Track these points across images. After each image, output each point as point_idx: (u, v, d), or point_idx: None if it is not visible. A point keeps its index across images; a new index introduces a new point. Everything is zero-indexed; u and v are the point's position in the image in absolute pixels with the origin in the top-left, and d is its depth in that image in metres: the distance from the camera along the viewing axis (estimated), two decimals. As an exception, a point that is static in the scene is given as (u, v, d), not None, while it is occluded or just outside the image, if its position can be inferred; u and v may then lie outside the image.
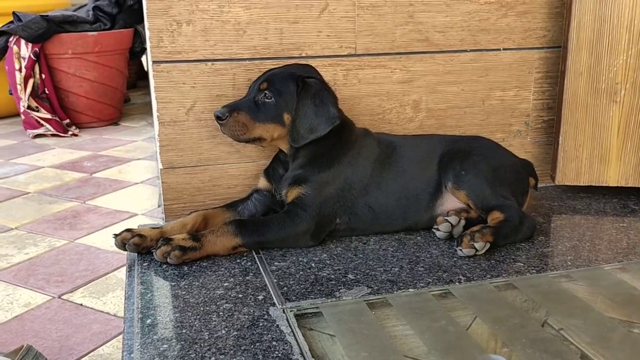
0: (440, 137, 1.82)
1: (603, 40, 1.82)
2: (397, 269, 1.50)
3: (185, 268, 1.52)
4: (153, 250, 1.54)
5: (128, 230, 1.62)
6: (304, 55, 1.79)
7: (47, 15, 3.99)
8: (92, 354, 1.60)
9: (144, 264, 1.55)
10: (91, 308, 1.97)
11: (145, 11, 1.65)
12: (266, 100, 1.62)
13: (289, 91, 1.62)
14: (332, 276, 1.47)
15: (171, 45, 1.69)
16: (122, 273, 2.20)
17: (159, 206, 2.84)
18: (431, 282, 1.43)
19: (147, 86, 5.74)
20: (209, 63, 1.73)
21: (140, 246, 1.59)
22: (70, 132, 4.22)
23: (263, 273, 1.48)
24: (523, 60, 1.97)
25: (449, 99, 1.94)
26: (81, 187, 3.19)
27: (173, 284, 1.44)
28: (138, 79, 6.00)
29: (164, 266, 1.53)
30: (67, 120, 4.30)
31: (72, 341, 1.66)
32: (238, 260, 1.56)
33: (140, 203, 2.92)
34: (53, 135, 4.17)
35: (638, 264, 1.53)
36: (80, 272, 2.21)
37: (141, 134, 4.31)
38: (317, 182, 1.64)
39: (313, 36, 1.78)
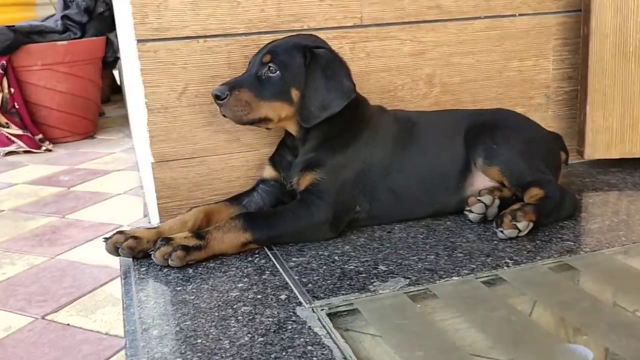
0: (462, 111, 1.65)
1: (629, -4, 1.67)
2: (432, 256, 1.32)
3: (190, 270, 1.31)
4: (151, 253, 1.33)
5: (120, 232, 1.41)
6: (305, 27, 1.60)
7: (13, 26, 3.77)
8: (84, 378, 1.39)
9: (142, 269, 1.34)
10: (79, 327, 1.76)
11: (126, -17, 1.45)
12: (270, 74, 1.42)
13: (295, 63, 1.42)
14: (361, 268, 1.27)
15: (157, 22, 1.49)
16: (111, 287, 1.99)
17: (145, 216, 2.62)
18: (476, 268, 1.25)
19: (121, 100, 5.52)
20: (201, 40, 1.53)
21: (135, 249, 1.38)
22: (43, 148, 3.99)
23: (281, 270, 1.29)
24: (540, 26, 1.81)
25: (464, 71, 1.77)
26: (59, 202, 2.96)
27: (179, 288, 1.24)
28: (112, 92, 5.80)
29: (165, 270, 1.32)
30: (40, 136, 4.06)
31: (61, 366, 1.45)
32: (250, 259, 1.36)
33: (124, 214, 2.71)
34: (25, 151, 3.93)
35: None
36: (65, 290, 1.99)
37: (119, 146, 4.09)
38: (333, 165, 1.44)
39: (314, 6, 1.60)
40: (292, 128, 1.49)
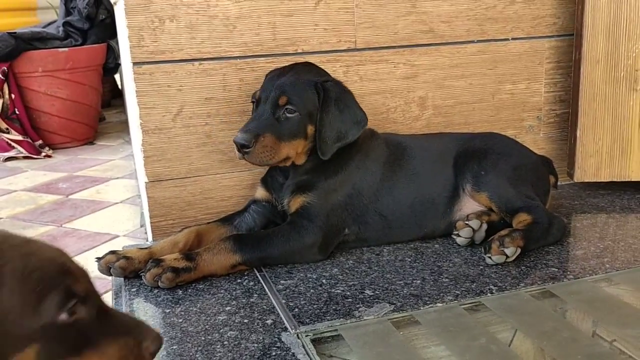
0: (452, 136, 1.67)
1: (620, 24, 1.69)
2: (418, 281, 1.34)
3: (180, 292, 1.34)
4: (142, 274, 1.36)
5: (112, 252, 1.44)
6: (299, 51, 1.63)
7: (15, 33, 3.80)
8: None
9: (132, 290, 1.37)
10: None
11: (123, 7, 1.48)
12: (288, 115, 1.43)
13: (310, 101, 1.44)
14: (348, 293, 1.30)
15: (153, 45, 1.52)
16: (106, 301, 2.01)
17: (141, 226, 2.65)
18: (460, 295, 1.27)
19: (122, 104, 5.53)
20: (196, 63, 1.56)
21: (127, 269, 1.40)
22: (43, 154, 4.02)
23: (269, 293, 1.31)
24: (533, 50, 1.83)
25: (457, 94, 1.80)
26: (57, 210, 2.98)
27: (167, 310, 1.26)
28: (112, 97, 5.82)
29: (155, 291, 1.35)
30: (40, 142, 4.09)
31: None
32: (239, 280, 1.38)
33: (121, 224, 2.73)
34: (25, 157, 3.96)
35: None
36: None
37: (118, 152, 4.12)
38: (323, 189, 1.47)
39: (309, 30, 1.62)
40: (301, 160, 1.50)
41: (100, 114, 4.76)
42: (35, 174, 3.72)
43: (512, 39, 1.81)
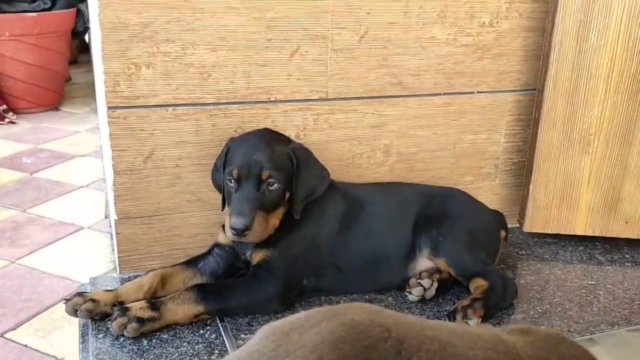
0: (412, 190, 1.74)
1: (579, 90, 1.77)
2: (369, 342, 1.44)
3: (145, 342, 1.41)
4: (109, 322, 1.43)
5: (79, 294, 1.50)
6: (272, 99, 1.67)
7: (-20, -7, 3.69)
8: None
9: (99, 336, 1.43)
10: (37, 350, 1.84)
11: (100, 53, 1.49)
12: (271, 188, 1.49)
13: (287, 170, 1.52)
14: (303, 354, 1.39)
15: (129, 90, 1.54)
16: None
17: (105, 217, 2.69)
18: None
19: (89, 62, 5.42)
20: (170, 108, 1.59)
21: (93, 312, 1.47)
22: (7, 120, 3.97)
23: (230, 351, 1.39)
24: (496, 103, 1.91)
25: (420, 142, 1.87)
26: (21, 191, 2.99)
27: (132, 366, 1.34)
28: (79, 52, 5.66)
29: (122, 339, 1.42)
30: (4, 106, 4.03)
31: (17, 393, 1.54)
32: (201, 331, 1.46)
33: (85, 213, 2.76)
34: (-12, 122, 3.89)
35: (608, 337, 1.52)
36: (24, 303, 2.07)
37: (84, 123, 4.08)
38: (284, 244, 1.55)
39: (283, 80, 1.66)
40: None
41: (67, 74, 4.68)
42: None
43: (477, 92, 1.88)
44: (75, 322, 1.94)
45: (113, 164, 1.58)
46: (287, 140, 1.60)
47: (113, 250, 2.36)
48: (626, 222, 1.89)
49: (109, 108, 1.54)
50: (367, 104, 1.77)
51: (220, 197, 1.60)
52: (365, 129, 1.80)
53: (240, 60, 1.61)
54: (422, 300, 1.60)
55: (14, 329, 1.99)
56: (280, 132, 1.64)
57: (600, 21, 1.69)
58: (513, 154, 2.00)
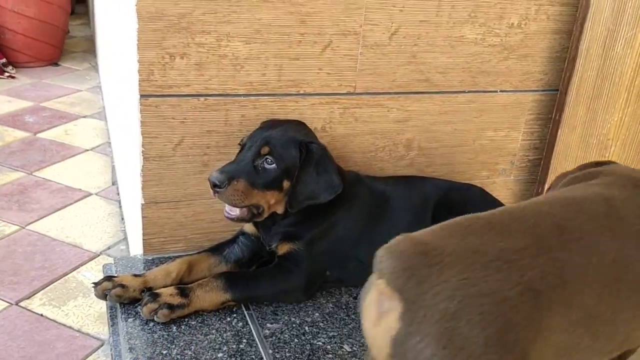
0: (433, 184, 1.78)
1: (602, 96, 1.81)
2: (390, 337, 1.49)
3: (174, 328, 1.46)
4: (139, 307, 1.47)
5: (109, 279, 1.53)
6: (301, 92, 1.69)
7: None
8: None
9: (129, 320, 1.47)
10: (53, 320, 1.89)
11: (136, 42, 1.50)
12: (267, 165, 1.50)
13: (291, 157, 1.51)
14: (328, 347, 1.44)
15: (162, 79, 1.55)
16: (81, 275, 2.10)
17: (113, 184, 2.71)
18: None
19: (87, 13, 5.32)
20: (202, 98, 1.61)
21: (122, 297, 1.51)
22: (7, 74, 3.94)
23: (257, 341, 1.44)
24: (518, 102, 1.94)
25: (441, 138, 1.90)
26: (25, 152, 3.00)
27: (164, 352, 1.38)
28: (76, 2, 5.55)
29: (151, 324, 1.46)
30: (4, 60, 4.00)
31: (37, 363, 1.59)
32: (228, 319, 1.51)
33: (92, 178, 2.78)
34: (-12, 76, 3.87)
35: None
36: (37, 271, 2.10)
37: (85, 81, 4.06)
38: (309, 238, 1.58)
39: (313, 73, 1.68)
40: (279, 209, 1.58)
41: (67, 27, 4.63)
42: (0, 100, 3.65)
43: (501, 91, 1.90)
44: (89, 294, 1.98)
45: (143, 151, 1.60)
46: (311, 137, 1.60)
47: (122, 219, 2.41)
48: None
49: (142, 96, 1.55)
50: (393, 99, 1.79)
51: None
52: (390, 124, 1.82)
53: (273, 54, 1.62)
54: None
55: (29, 298, 2.03)
56: (307, 124, 1.65)
57: (628, 31, 1.72)
58: (529, 151, 2.04)
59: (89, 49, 4.81)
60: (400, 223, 1.67)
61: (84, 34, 5.28)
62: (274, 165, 1.50)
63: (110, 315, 1.54)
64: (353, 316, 1.56)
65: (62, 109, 3.59)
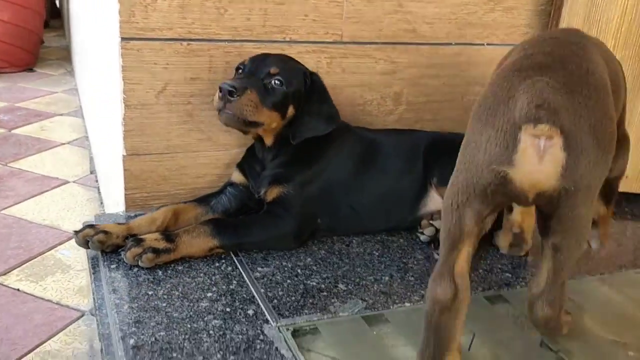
0: (423, 133, 1.75)
1: (589, 43, 1.79)
2: (387, 277, 1.44)
3: (160, 272, 1.39)
4: (122, 252, 1.40)
5: (90, 225, 1.46)
6: (287, 39, 1.65)
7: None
8: (37, 350, 1.44)
9: (112, 266, 1.40)
10: (30, 294, 1.80)
11: (116, -20, 1.45)
12: (276, 86, 1.48)
13: (298, 84, 1.52)
14: (323, 286, 1.38)
15: (144, 21, 1.50)
16: (59, 253, 2.02)
17: (91, 172, 2.63)
18: (425, 295, 1.38)
19: (61, 27, 5.29)
20: (185, 42, 1.56)
21: (105, 244, 1.44)
22: (-20, 80, 3.84)
23: (247, 281, 1.38)
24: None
25: (429, 92, 1.87)
26: (0, 146, 2.91)
27: (150, 292, 1.31)
28: (51, 17, 5.53)
29: (135, 269, 1.39)
30: (-22, 65, 3.91)
31: (13, 334, 1.49)
32: (217, 264, 1.44)
33: (69, 168, 2.70)
34: (-38, 82, 3.77)
35: (618, 276, 1.55)
36: (13, 250, 2.01)
37: (60, 84, 4.00)
38: (299, 181, 1.53)
39: (299, 20, 1.65)
40: (269, 139, 1.56)
41: (42, 34, 4.58)
42: (-26, 103, 3.55)
43: (487, 44, 1.89)
44: (69, 270, 1.90)
45: (124, 98, 1.55)
46: (306, 69, 1.59)
47: (101, 203, 2.33)
48: (626, 177, 1.92)
49: (123, 39, 1.50)
50: (381, 50, 1.76)
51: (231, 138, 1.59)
52: (377, 76, 1.79)
53: (257, -3, 1.59)
54: (434, 240, 1.60)
55: (5, 274, 1.94)
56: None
57: (613, -27, 1.71)
58: (518, 109, 2.01)
59: (65, 57, 4.76)
60: (390, 169, 1.63)
61: (59, 44, 5.24)
62: (283, 87, 1.49)
63: (92, 264, 1.46)
64: (346, 260, 1.50)
65: (38, 108, 3.52)
